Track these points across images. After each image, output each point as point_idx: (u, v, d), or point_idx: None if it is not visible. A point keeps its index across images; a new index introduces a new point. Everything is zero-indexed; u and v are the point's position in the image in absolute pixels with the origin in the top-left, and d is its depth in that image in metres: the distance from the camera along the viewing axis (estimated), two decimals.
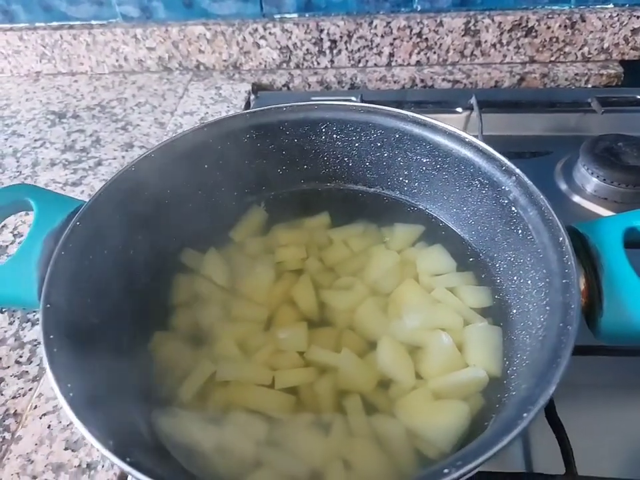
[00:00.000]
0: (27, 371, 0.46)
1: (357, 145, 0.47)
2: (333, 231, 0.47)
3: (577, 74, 0.77)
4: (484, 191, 0.40)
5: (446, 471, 0.22)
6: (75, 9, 0.80)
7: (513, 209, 0.37)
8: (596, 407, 0.40)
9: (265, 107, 0.45)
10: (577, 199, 0.58)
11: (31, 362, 0.46)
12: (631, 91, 0.71)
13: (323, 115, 0.46)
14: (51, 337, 0.29)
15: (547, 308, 0.31)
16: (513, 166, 0.38)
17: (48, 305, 0.31)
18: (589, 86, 0.78)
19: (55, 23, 0.82)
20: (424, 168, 0.45)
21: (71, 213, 0.37)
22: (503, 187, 0.38)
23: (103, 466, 0.39)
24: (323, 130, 0.46)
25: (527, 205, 0.35)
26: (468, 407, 0.34)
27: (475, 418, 0.34)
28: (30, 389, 0.44)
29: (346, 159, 0.49)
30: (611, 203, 0.56)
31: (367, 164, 0.48)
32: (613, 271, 0.31)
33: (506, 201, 0.38)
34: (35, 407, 0.43)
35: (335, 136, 0.47)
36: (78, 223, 0.35)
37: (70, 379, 0.28)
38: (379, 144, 0.46)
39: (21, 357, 0.47)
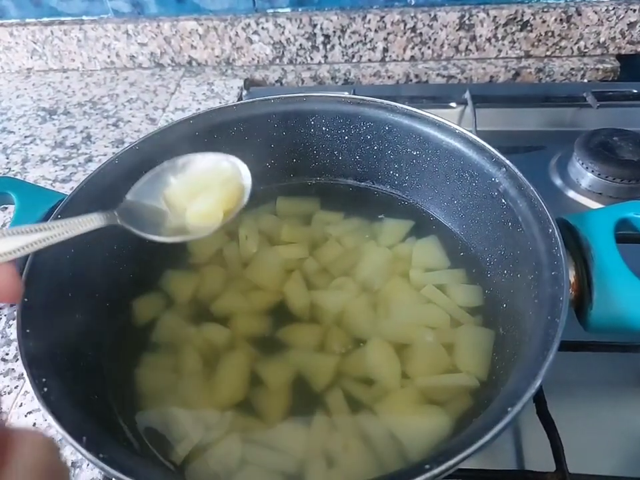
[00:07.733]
0: (13, 369, 0.45)
1: (346, 137, 0.46)
2: (324, 227, 0.46)
3: (572, 68, 0.77)
4: (474, 184, 0.40)
5: (427, 466, 0.22)
6: (65, 4, 0.79)
7: (503, 200, 0.36)
8: (587, 403, 0.39)
9: (252, 99, 0.44)
10: (571, 194, 0.57)
11: (17, 359, 0.46)
12: (627, 85, 0.70)
13: (312, 107, 0.45)
14: (27, 331, 0.28)
15: (536, 301, 0.30)
16: (503, 157, 0.37)
17: (25, 299, 0.30)
18: (585, 80, 0.77)
19: (45, 19, 0.81)
20: (414, 161, 0.44)
21: (53, 207, 0.36)
22: (493, 179, 0.37)
23: (88, 464, 0.38)
24: (312, 122, 0.46)
25: (517, 197, 0.35)
26: (448, 417, 0.33)
27: (462, 415, 0.33)
28: (16, 387, 0.44)
29: (336, 153, 0.48)
30: (605, 198, 0.56)
31: (357, 157, 0.48)
32: (603, 262, 0.31)
33: (496, 193, 0.37)
34: (21, 404, 0.42)
35: (324, 129, 0.46)
36: (59, 217, 0.35)
37: (45, 375, 0.27)
38: (368, 137, 0.45)
39: (7, 354, 0.46)
